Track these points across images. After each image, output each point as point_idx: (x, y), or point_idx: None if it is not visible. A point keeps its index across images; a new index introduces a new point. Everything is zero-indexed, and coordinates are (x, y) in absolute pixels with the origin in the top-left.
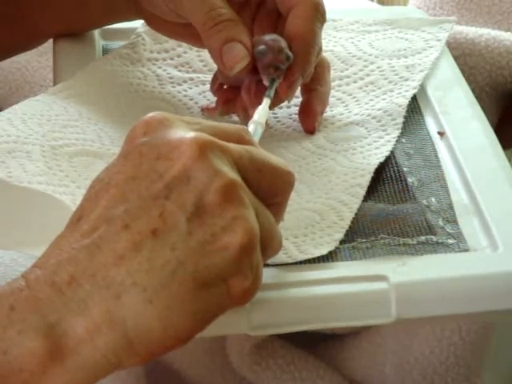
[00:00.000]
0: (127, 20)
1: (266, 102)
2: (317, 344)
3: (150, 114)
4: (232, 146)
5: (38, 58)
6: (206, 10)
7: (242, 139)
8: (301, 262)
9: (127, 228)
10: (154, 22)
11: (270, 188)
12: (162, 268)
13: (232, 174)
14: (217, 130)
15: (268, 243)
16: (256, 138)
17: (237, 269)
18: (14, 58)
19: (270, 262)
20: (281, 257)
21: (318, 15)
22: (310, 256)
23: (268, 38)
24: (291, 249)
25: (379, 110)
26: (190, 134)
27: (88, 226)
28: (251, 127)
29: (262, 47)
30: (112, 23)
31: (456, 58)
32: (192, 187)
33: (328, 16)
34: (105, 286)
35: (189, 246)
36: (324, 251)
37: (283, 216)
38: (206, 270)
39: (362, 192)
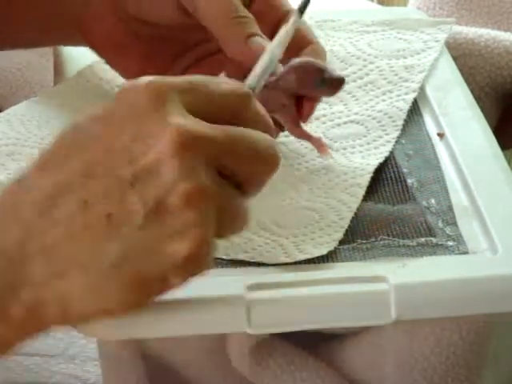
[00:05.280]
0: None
1: (292, 22)
2: (317, 344)
3: (157, 80)
4: (219, 138)
5: (39, 59)
6: (227, 8)
7: (240, 114)
8: (300, 262)
9: (85, 205)
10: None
11: (247, 175)
12: (106, 255)
13: (203, 180)
14: (212, 101)
15: (227, 224)
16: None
17: (179, 273)
18: (15, 59)
19: (269, 261)
20: (280, 256)
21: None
22: (309, 256)
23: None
24: (290, 248)
25: (379, 111)
26: (176, 125)
27: (49, 190)
28: (265, 57)
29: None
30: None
31: (455, 59)
32: (159, 183)
33: (327, 16)
34: (51, 260)
35: (137, 241)
36: (324, 251)
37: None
38: (146, 269)
39: (362, 192)
